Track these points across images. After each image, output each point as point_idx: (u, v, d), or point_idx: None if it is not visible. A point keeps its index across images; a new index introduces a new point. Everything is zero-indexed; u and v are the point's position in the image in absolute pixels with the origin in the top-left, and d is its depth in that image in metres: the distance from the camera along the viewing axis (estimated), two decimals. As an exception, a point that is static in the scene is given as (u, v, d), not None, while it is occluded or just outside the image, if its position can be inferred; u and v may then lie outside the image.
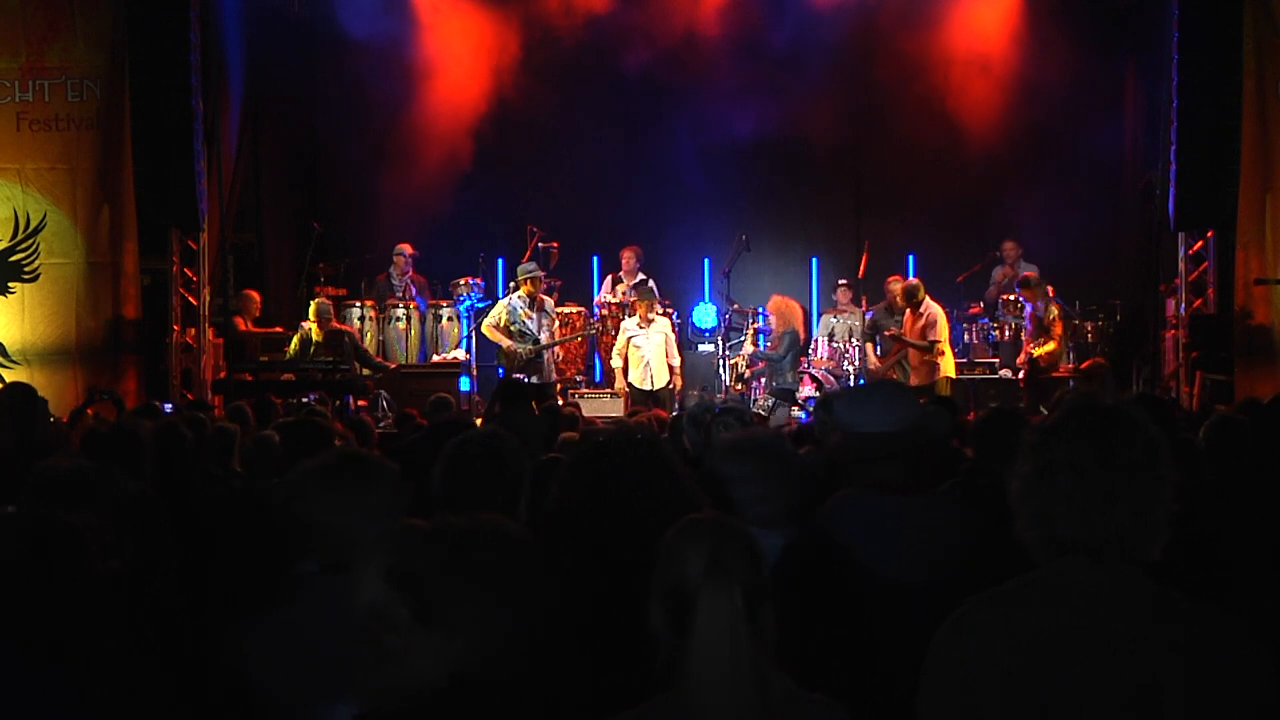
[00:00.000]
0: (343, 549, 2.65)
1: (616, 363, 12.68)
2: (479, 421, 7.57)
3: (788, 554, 3.11)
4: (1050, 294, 12.65)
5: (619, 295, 13.47)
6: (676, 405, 12.05)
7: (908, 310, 12.38)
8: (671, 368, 12.53)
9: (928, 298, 12.32)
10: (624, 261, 13.54)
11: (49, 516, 2.54)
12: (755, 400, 12.60)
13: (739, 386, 12.93)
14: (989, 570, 2.33)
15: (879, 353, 12.83)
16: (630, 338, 12.55)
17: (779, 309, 12.77)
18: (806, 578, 3.02)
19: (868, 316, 13.14)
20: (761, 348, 12.85)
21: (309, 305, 12.17)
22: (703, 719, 2.08)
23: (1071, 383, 11.72)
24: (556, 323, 12.72)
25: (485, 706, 1.98)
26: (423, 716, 1.99)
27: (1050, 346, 11.94)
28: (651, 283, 13.29)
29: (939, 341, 12.13)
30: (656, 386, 12.38)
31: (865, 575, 3.23)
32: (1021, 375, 12.28)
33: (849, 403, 3.74)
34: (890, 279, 13.10)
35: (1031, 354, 11.96)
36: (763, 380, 12.83)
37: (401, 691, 2.00)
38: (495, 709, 1.99)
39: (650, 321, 12.48)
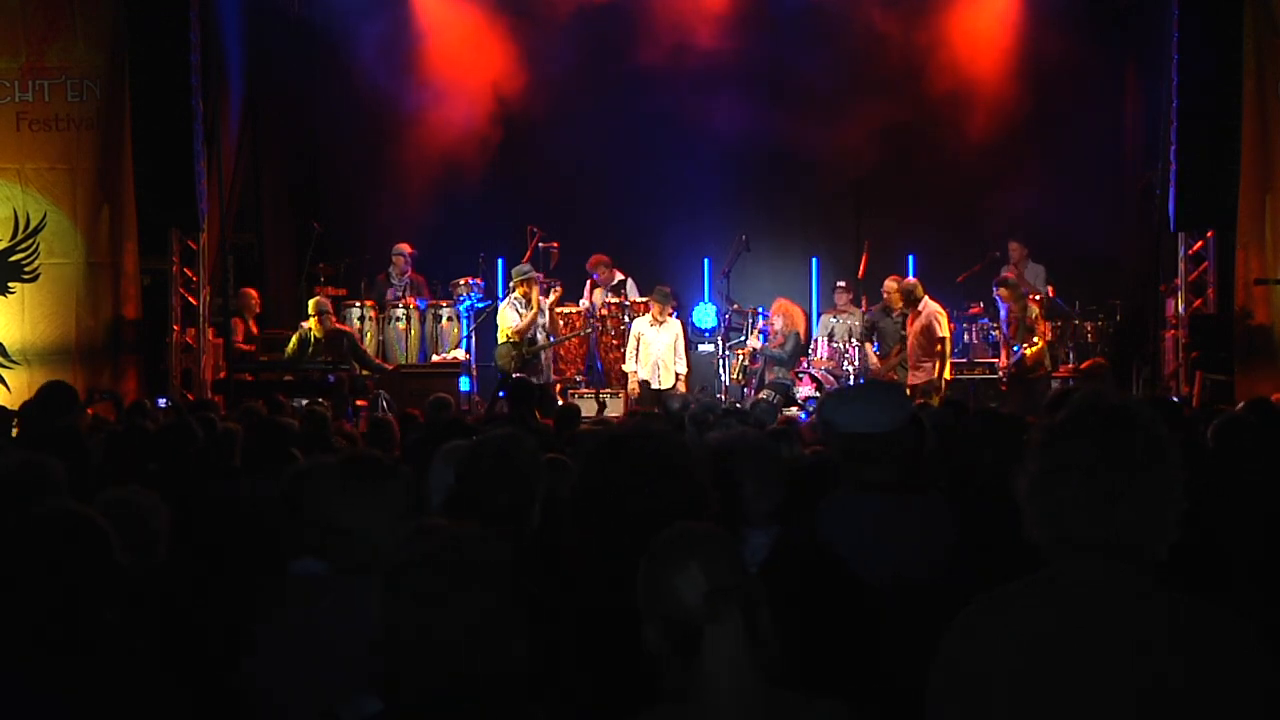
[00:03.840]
0: (360, 551, 2.67)
1: (630, 366, 12.80)
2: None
3: (776, 552, 3.11)
4: (1051, 294, 12.64)
5: (620, 296, 13.50)
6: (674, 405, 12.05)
7: (909, 311, 12.37)
8: (678, 374, 12.67)
9: (926, 296, 12.32)
10: (600, 273, 13.58)
11: (79, 512, 2.53)
12: (753, 394, 12.61)
13: (740, 378, 12.98)
14: (980, 570, 2.32)
15: (878, 352, 12.83)
16: (640, 334, 12.69)
17: (785, 311, 12.84)
18: (796, 576, 3.02)
19: (866, 317, 13.14)
20: (765, 345, 12.90)
21: (308, 304, 12.17)
22: None
23: (1070, 381, 11.71)
24: (553, 315, 12.79)
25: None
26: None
27: (1039, 346, 11.92)
28: (631, 283, 13.46)
29: (947, 339, 12.15)
30: (665, 385, 12.52)
31: (856, 574, 3.22)
32: (1003, 376, 12.27)
33: (838, 403, 3.76)
34: (888, 279, 13.11)
35: (1024, 353, 11.90)
36: (759, 375, 12.86)
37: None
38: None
39: (662, 322, 12.68)
